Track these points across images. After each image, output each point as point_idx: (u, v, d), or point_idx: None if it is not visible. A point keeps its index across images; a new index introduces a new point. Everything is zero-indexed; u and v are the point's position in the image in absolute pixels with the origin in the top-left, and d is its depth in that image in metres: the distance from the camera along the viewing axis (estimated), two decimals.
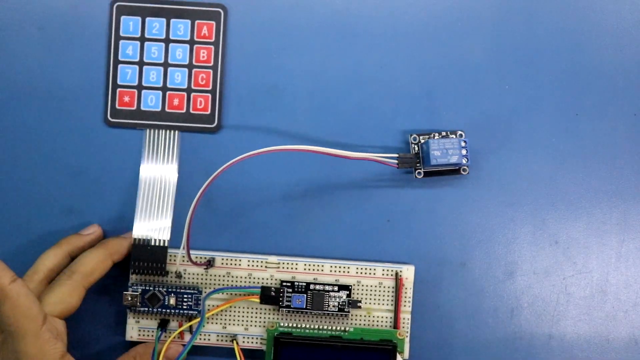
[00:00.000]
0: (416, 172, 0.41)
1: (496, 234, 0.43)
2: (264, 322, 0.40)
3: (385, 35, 0.42)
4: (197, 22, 0.41)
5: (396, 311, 0.40)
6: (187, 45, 0.41)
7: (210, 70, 0.41)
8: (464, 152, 0.40)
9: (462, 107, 0.42)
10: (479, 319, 0.42)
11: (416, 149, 0.41)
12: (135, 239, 0.39)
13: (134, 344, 0.40)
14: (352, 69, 0.42)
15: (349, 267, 0.40)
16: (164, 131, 0.41)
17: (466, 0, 0.43)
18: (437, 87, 0.43)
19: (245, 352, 0.40)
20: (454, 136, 0.41)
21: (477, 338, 0.43)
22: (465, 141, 0.40)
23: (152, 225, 0.40)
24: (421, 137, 0.41)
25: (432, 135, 0.41)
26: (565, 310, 0.42)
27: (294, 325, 0.40)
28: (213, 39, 0.41)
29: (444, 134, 0.41)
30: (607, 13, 0.42)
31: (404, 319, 0.40)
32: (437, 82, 0.43)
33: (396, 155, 0.40)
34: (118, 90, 0.41)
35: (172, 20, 0.41)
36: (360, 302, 0.40)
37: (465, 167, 0.41)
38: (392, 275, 0.40)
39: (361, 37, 0.42)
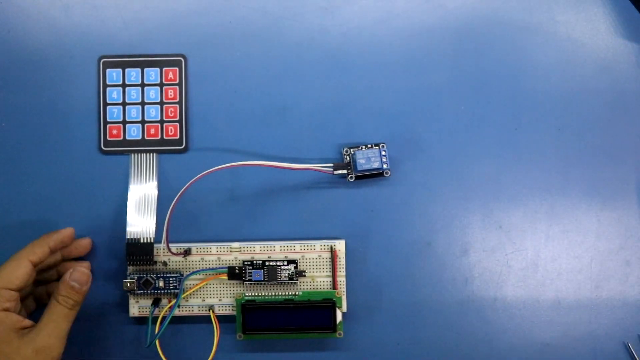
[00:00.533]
0: (349, 176, 0.46)
1: (454, 220, 0.47)
2: (233, 293, 0.45)
3: (323, 68, 0.47)
4: (164, 69, 0.46)
5: (333, 276, 0.45)
6: (158, 87, 0.46)
7: (177, 105, 0.46)
8: (384, 159, 0.45)
9: (420, 125, 0.47)
10: (441, 285, 0.46)
11: (348, 159, 0.46)
12: (128, 239, 0.45)
13: (137, 319, 0.45)
14: (298, 97, 0.47)
15: (294, 246, 0.45)
16: (145, 155, 0.46)
17: (412, 40, 0.47)
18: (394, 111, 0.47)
19: (221, 317, 0.45)
20: (377, 147, 0.46)
21: (439, 300, 0.46)
22: (385, 150, 0.45)
23: (140, 227, 0.45)
24: (351, 149, 0.46)
25: (360, 148, 0.46)
26: (507, 278, 0.47)
27: (256, 294, 0.45)
28: (177, 81, 0.46)
29: (369, 146, 0.46)
30: (538, 52, 0.47)
31: (340, 281, 0.45)
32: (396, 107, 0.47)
33: (332, 164, 0.45)
34: (108, 125, 0.46)
35: (145, 69, 0.46)
36: (305, 271, 0.45)
37: (387, 171, 0.45)
38: (328, 249, 0.45)
39: (303, 71, 0.47)
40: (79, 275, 0.41)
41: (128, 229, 0.45)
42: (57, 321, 0.40)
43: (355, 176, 0.46)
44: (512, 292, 0.47)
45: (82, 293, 0.41)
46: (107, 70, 0.47)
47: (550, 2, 0.47)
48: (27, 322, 0.40)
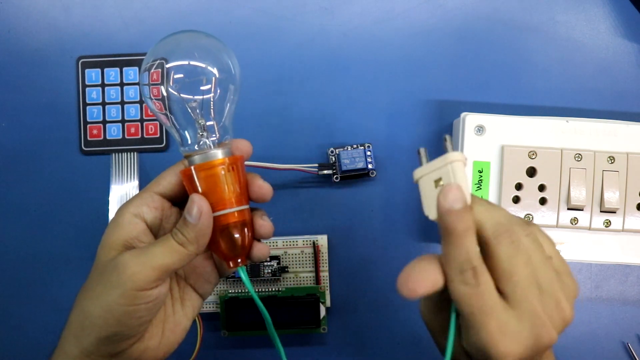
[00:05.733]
0: (334, 176, 0.46)
1: None
2: (217, 290, 0.45)
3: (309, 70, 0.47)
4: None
5: (316, 271, 0.46)
6: (137, 87, 0.47)
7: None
8: (369, 159, 0.46)
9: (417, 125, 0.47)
10: None
11: (333, 159, 0.46)
12: None
13: None
14: (296, 97, 0.47)
15: (277, 242, 0.45)
16: (125, 154, 0.47)
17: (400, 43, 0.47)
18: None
19: (206, 315, 0.46)
20: (362, 147, 0.46)
21: None
22: (370, 151, 0.45)
23: None
24: (337, 150, 0.46)
25: (345, 148, 0.46)
26: None
27: (239, 291, 0.45)
28: (159, 81, 0.47)
29: (355, 146, 0.46)
30: (538, 52, 0.48)
31: (323, 277, 0.45)
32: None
33: (317, 164, 0.46)
34: (88, 126, 0.47)
35: (124, 68, 0.47)
36: (288, 267, 0.46)
37: (372, 171, 0.46)
38: (310, 244, 0.46)
39: (303, 71, 0.47)
40: (191, 206, 0.32)
41: None
42: (157, 251, 0.31)
43: (340, 176, 0.46)
44: None
45: (195, 229, 0.32)
46: (86, 70, 0.47)
47: (550, 2, 0.47)
48: (146, 239, 0.33)
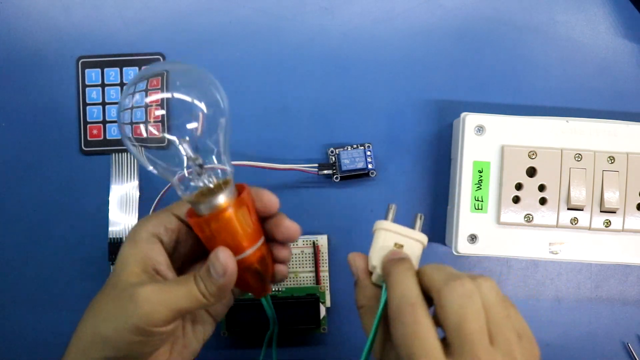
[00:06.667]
0: (334, 176, 0.46)
1: None
2: None
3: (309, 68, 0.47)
4: (142, 67, 0.46)
5: (316, 271, 0.46)
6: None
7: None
8: (369, 159, 0.46)
9: (416, 126, 0.47)
10: None
11: (333, 159, 0.46)
12: (110, 238, 0.45)
13: None
14: (296, 97, 0.47)
15: None
16: (125, 154, 0.47)
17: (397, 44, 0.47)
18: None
19: None
20: (362, 147, 0.46)
21: None
22: (370, 151, 0.46)
23: (122, 226, 0.46)
24: (337, 150, 0.46)
25: (345, 148, 0.47)
26: (507, 278, 0.48)
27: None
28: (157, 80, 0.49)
29: (355, 146, 0.46)
30: (538, 52, 0.48)
31: (323, 277, 0.46)
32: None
33: (317, 165, 0.46)
34: (88, 126, 0.47)
35: (124, 68, 0.47)
36: (288, 267, 0.44)
37: (372, 171, 0.46)
38: (310, 244, 0.46)
39: (303, 71, 0.47)
40: (216, 263, 0.31)
41: (110, 228, 0.46)
42: (177, 292, 0.31)
43: (340, 176, 0.46)
44: (513, 291, 0.47)
45: (217, 284, 0.31)
46: (86, 70, 0.47)
47: (550, 2, 0.47)
48: (168, 272, 0.33)
